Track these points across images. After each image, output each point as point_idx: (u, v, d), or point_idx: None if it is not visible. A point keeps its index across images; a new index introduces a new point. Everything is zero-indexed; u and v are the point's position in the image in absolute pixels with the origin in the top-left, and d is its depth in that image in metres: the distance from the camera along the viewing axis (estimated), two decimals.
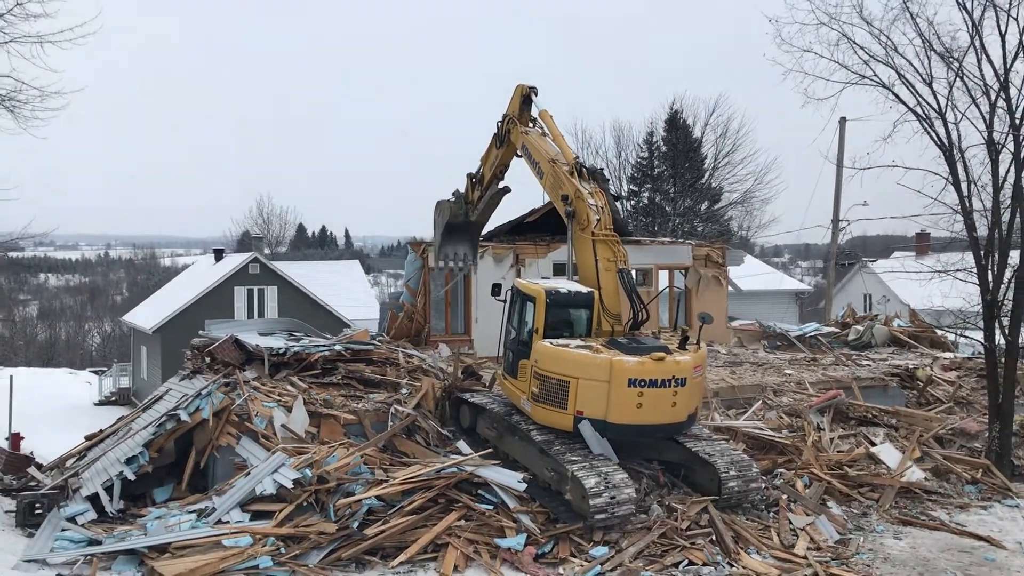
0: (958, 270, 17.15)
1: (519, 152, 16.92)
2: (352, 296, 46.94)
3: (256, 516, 12.81)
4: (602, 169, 29.59)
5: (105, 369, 49.74)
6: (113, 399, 42.34)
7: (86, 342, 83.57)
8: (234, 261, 42.08)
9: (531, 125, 16.71)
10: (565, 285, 14.70)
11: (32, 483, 16.39)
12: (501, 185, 18.88)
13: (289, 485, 12.76)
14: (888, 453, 16.55)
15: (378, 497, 12.85)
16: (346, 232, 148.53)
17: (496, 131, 17.31)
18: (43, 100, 18.19)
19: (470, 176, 19.27)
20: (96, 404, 41.37)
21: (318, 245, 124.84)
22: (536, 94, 16.55)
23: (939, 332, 24.31)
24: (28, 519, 13.86)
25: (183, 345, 33.36)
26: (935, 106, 17.14)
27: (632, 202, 51.32)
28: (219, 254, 46.29)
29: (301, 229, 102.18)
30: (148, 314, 42.67)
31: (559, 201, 15.40)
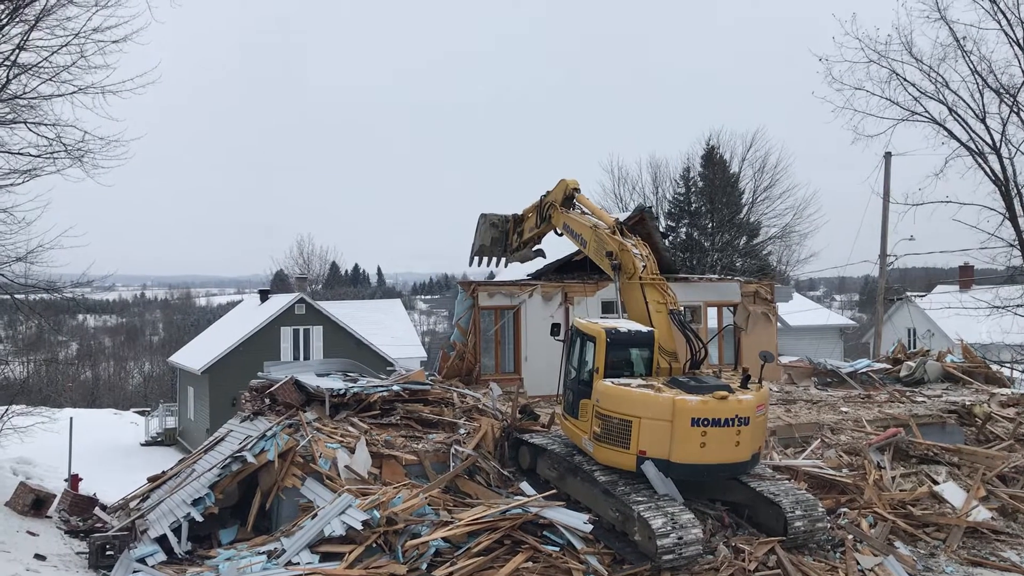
0: (1018, 305, 17.06)
1: (559, 231, 18.09)
2: (395, 335, 47.26)
3: (325, 557, 12.92)
4: (650, 207, 29.73)
5: (149, 409, 50.35)
6: (160, 439, 42.83)
7: (127, 382, 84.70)
8: (280, 302, 42.57)
9: (571, 209, 17.68)
10: (625, 325, 14.81)
11: (99, 524, 16.67)
12: (536, 248, 20.42)
13: (358, 526, 12.87)
14: (952, 492, 16.35)
15: (445, 539, 12.91)
16: (378, 270, 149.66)
17: (538, 204, 18.53)
18: (106, 149, 18.85)
19: (514, 219, 19.94)
20: (143, 444, 41.89)
21: (351, 283, 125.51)
22: (579, 191, 17.56)
23: (994, 367, 24.01)
24: (100, 560, 14.10)
25: (231, 385, 33.90)
26: (989, 141, 17.23)
27: (670, 238, 51.35)
28: (264, 295, 46.87)
29: (334, 267, 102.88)
30: (195, 355, 43.20)
31: (604, 260, 15.95)
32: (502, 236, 20.68)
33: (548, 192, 18.37)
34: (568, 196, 17.71)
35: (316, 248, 78.85)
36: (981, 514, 15.85)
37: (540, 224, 18.75)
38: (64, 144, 18.62)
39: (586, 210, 17.44)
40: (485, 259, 21.52)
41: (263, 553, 13.40)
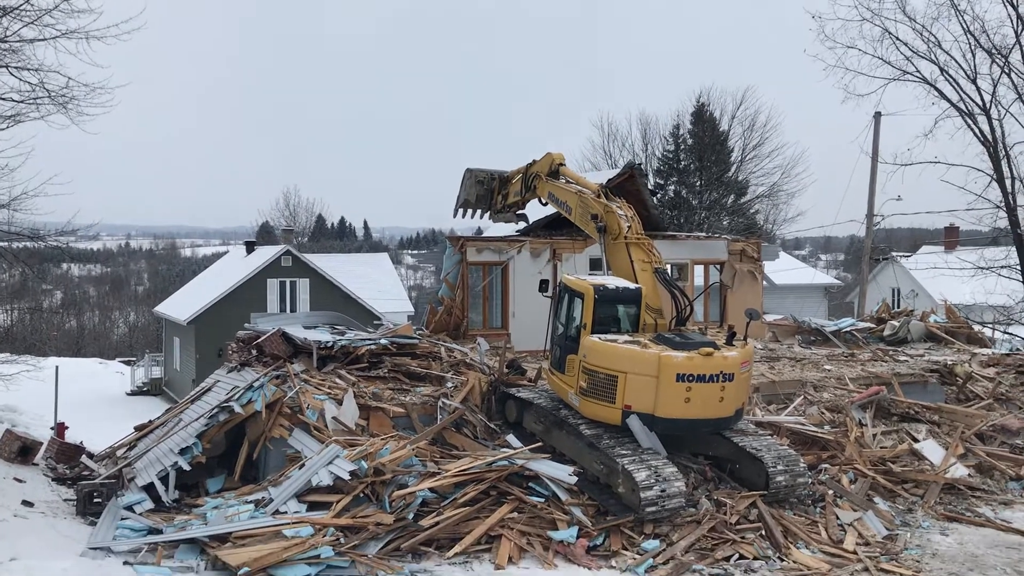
0: (1002, 267, 17.19)
1: (544, 201, 18.21)
2: (381, 289, 47.22)
3: (312, 507, 13.04)
4: (640, 165, 29.69)
5: (134, 359, 50.36)
6: (145, 389, 42.91)
7: (112, 332, 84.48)
8: (266, 254, 42.38)
9: (557, 180, 17.77)
10: (613, 281, 14.89)
11: (86, 472, 16.74)
12: (520, 212, 20.66)
13: (346, 476, 12.99)
14: (931, 449, 16.62)
15: (431, 489, 13.06)
16: (365, 223, 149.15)
17: (523, 172, 18.60)
18: (91, 95, 18.56)
19: (500, 178, 19.98)
20: (129, 394, 41.96)
21: (337, 236, 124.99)
22: (564, 164, 17.69)
23: (977, 328, 24.26)
24: (88, 508, 14.17)
25: (217, 336, 33.90)
26: (979, 102, 17.22)
27: (658, 195, 51.30)
28: (250, 246, 46.61)
29: (320, 220, 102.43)
30: (181, 305, 43.09)
31: (590, 223, 16.03)
32: (487, 194, 20.67)
33: (534, 162, 18.44)
34: (553, 170, 17.82)
35: (302, 200, 78.42)
36: (959, 471, 16.13)
37: (524, 193, 18.95)
38: (47, 90, 18.30)
39: (571, 180, 17.49)
40: (469, 212, 21.53)
41: (251, 502, 13.51)
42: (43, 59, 18.32)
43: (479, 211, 21.13)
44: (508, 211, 20.39)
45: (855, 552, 12.72)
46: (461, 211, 21.33)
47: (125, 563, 11.85)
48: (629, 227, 15.38)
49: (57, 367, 22.84)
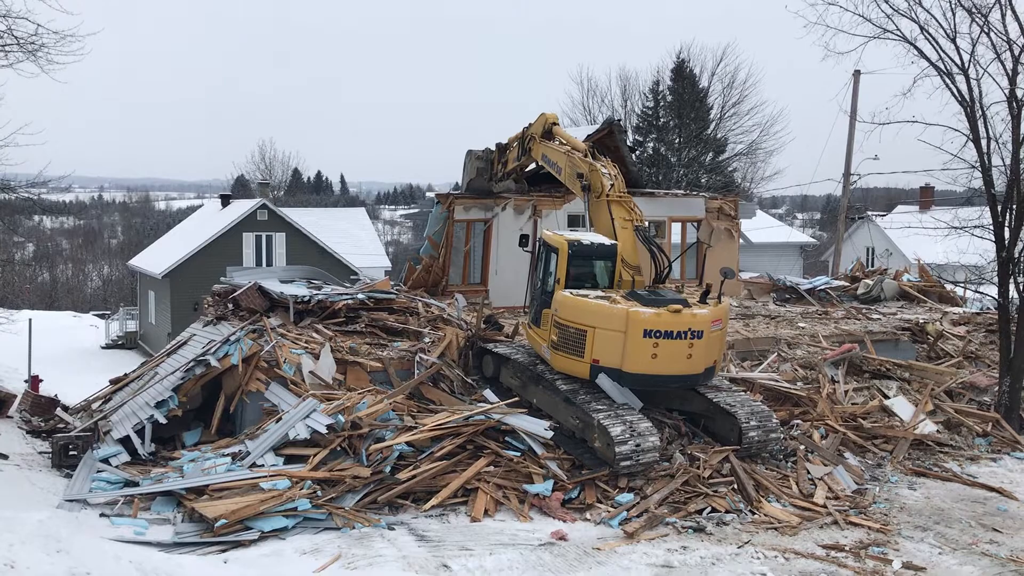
0: (975, 226, 17.31)
1: (539, 163, 18.49)
2: (359, 244, 47.00)
3: (289, 460, 13.11)
4: (619, 120, 29.56)
5: (109, 312, 49.96)
6: (120, 342, 42.65)
7: (86, 285, 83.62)
8: (242, 207, 41.96)
9: (551, 141, 17.90)
10: (589, 237, 14.91)
11: (61, 425, 16.69)
12: (517, 186, 21.74)
13: (323, 430, 13.03)
14: (901, 406, 16.89)
15: (408, 443, 13.15)
16: (342, 178, 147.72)
17: (520, 136, 18.92)
18: (60, 43, 18.13)
19: (499, 147, 20.26)
20: (103, 347, 41.70)
21: (314, 190, 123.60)
22: (557, 124, 17.99)
23: (949, 287, 24.54)
24: (63, 460, 14.17)
25: (192, 290, 33.68)
26: (958, 61, 17.14)
27: (637, 152, 51.14)
28: (226, 200, 46.07)
29: (297, 174, 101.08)
30: (156, 259, 42.69)
31: (576, 182, 16.13)
32: (487, 166, 21.24)
33: (530, 125, 18.62)
34: (547, 130, 17.95)
35: (278, 153, 77.41)
36: (927, 427, 16.42)
37: (521, 156, 19.22)
38: (16, 37, 17.88)
39: (563, 141, 17.58)
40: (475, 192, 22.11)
41: (227, 455, 13.55)
42: (11, 4, 17.89)
43: (483, 187, 21.75)
44: (507, 178, 21.03)
45: (825, 506, 12.96)
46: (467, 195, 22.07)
47: (102, 515, 11.89)
48: (612, 185, 15.40)
49: (30, 320, 22.70)
